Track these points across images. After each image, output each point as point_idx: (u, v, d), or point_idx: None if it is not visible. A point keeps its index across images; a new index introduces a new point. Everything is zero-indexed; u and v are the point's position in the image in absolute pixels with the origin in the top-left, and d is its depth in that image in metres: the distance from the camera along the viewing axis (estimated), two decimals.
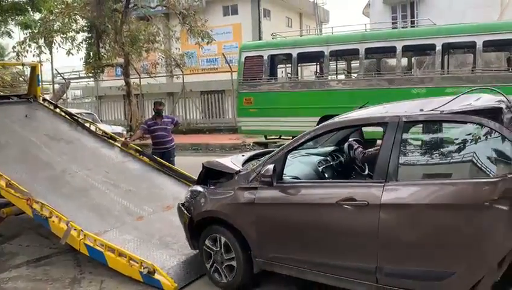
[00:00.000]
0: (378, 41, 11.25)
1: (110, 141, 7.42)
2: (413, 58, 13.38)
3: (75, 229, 4.62)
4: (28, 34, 16.62)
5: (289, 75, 12.89)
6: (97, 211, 5.28)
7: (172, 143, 7.54)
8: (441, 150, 3.51)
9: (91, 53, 17.69)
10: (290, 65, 12.77)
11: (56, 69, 23.31)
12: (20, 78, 21.98)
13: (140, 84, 19.66)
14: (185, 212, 4.30)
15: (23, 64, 10.74)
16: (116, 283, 4.29)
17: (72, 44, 17.33)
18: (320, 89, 11.69)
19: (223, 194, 4.05)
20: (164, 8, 18.73)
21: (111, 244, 4.44)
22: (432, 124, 3.50)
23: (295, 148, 3.90)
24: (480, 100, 3.33)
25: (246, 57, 12.51)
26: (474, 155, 3.14)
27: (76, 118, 7.83)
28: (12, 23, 15.45)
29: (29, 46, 16.70)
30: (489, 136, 3.04)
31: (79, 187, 5.73)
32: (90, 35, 17.84)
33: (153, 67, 19.40)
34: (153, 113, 7.66)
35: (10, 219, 5.78)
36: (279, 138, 13.00)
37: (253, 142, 15.42)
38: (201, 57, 24.14)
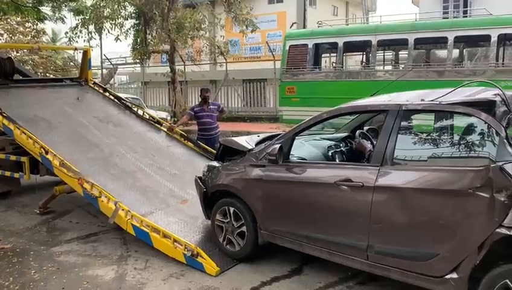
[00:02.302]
0: (429, 31, 10.84)
1: (157, 125, 7.60)
2: (465, 50, 12.81)
3: (122, 210, 4.77)
4: (80, 20, 17.15)
5: (334, 64, 12.67)
6: (143, 192, 5.43)
7: (218, 130, 7.61)
8: (435, 138, 3.64)
9: (138, 39, 18.06)
10: (334, 54, 12.55)
11: (105, 55, 24.05)
12: (71, 63, 22.85)
13: (185, 71, 19.94)
14: (201, 184, 4.69)
15: (75, 49, 11.10)
16: (160, 262, 4.41)
17: (121, 30, 17.75)
18: (365, 79, 11.44)
19: (235, 170, 4.39)
20: None
21: (156, 226, 4.56)
22: (429, 113, 3.60)
23: (302, 131, 4.13)
24: (478, 93, 3.44)
25: (291, 45, 12.40)
26: (464, 144, 3.35)
27: (124, 102, 8.06)
28: (66, 9, 15.97)
29: (81, 31, 17.26)
30: (479, 128, 3.20)
31: (126, 169, 5.91)
32: (138, 22, 18.21)
33: (198, 54, 19.61)
34: (199, 100, 7.74)
35: (62, 196, 6.07)
36: (321, 129, 12.91)
37: None
38: (245, 45, 24.11)
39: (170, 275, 4.16)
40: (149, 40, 17.93)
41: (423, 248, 3.21)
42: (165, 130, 7.49)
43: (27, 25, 18.72)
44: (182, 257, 4.31)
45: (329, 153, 4.54)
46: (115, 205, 4.81)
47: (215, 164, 4.74)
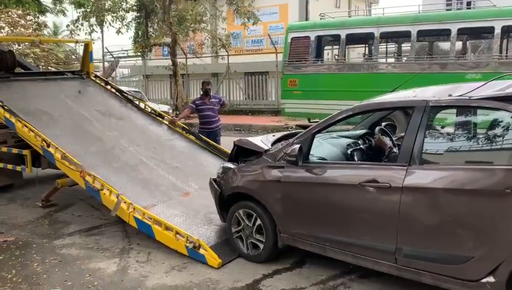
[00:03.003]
0: (432, 23, 10.77)
1: (158, 118, 7.59)
2: (468, 42, 12.73)
3: (124, 202, 4.77)
4: (81, 13, 17.11)
5: (336, 57, 12.61)
6: (145, 185, 5.44)
7: (219, 123, 7.60)
8: (466, 135, 3.48)
9: (140, 32, 18.03)
10: (337, 47, 12.49)
11: (106, 48, 23.98)
12: (73, 56, 22.79)
13: (187, 64, 19.89)
14: (216, 186, 4.55)
15: (77, 42, 11.08)
16: (162, 255, 4.42)
17: (122, 23, 17.71)
18: (368, 72, 11.39)
19: (251, 172, 4.23)
20: None
21: (158, 218, 4.56)
22: (459, 109, 3.42)
23: (322, 130, 3.99)
24: (510, 87, 3.26)
25: (293, 37, 12.34)
26: (499, 142, 3.18)
27: (126, 95, 8.04)
28: (67, 1, 15.93)
29: (82, 24, 17.22)
30: (508, 124, 3.06)
31: (128, 162, 5.91)
32: (139, 14, 18.16)
33: (199, 47, 19.55)
34: (200, 93, 7.73)
35: (64, 189, 6.08)
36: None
37: (296, 125, 15.31)
38: (247, 37, 24.00)
39: (172, 267, 4.17)
40: (150, 33, 17.89)
41: (456, 250, 3.08)
42: (167, 123, 7.48)
43: (28, 17, 18.65)
44: (184, 249, 4.32)
45: (349, 152, 4.38)
46: (117, 198, 4.82)
47: (230, 165, 4.58)
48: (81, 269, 4.17)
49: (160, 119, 7.59)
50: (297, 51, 12.19)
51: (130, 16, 18.32)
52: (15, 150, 6.32)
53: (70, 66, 20.59)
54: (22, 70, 8.62)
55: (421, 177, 3.23)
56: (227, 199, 4.45)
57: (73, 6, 16.62)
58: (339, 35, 11.75)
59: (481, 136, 3.40)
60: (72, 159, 5.34)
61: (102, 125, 6.69)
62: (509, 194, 2.82)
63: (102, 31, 21.00)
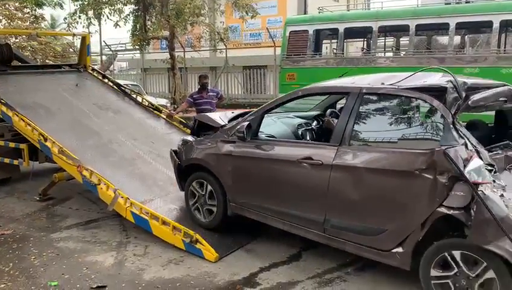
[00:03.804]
0: (430, 17, 10.74)
1: (156, 112, 7.58)
2: (466, 36, 12.71)
3: (122, 197, 4.78)
4: (78, 6, 16.99)
5: (335, 51, 12.59)
6: (143, 180, 5.44)
7: None
8: (390, 121, 3.69)
9: (138, 25, 17.90)
10: (335, 41, 12.46)
11: (104, 41, 23.87)
12: (70, 49, 22.69)
13: (185, 57, 19.82)
14: (175, 158, 4.96)
15: (74, 35, 11.04)
16: (159, 248, 4.43)
17: (120, 16, 17.56)
18: (366, 66, 11.37)
19: (207, 145, 4.62)
20: None
21: (155, 213, 4.57)
22: (387, 96, 3.65)
23: (269, 110, 4.35)
24: (434, 79, 3.51)
25: (291, 31, 12.30)
26: (415, 128, 3.46)
27: (123, 88, 8.02)
28: None
29: (79, 17, 17.09)
30: (430, 113, 3.34)
31: (126, 156, 5.91)
32: (137, 7, 18.02)
33: (197, 41, 19.47)
34: (197, 87, 7.71)
35: (61, 183, 6.08)
36: None
37: None
38: (245, 31, 23.91)
39: (169, 261, 4.19)
40: (148, 26, 17.78)
41: (373, 223, 3.44)
42: (164, 117, 7.47)
43: (25, 10, 18.55)
44: (181, 244, 4.33)
45: (299, 131, 4.76)
46: (114, 193, 4.82)
47: (189, 138, 4.97)
48: (78, 262, 4.19)
49: (158, 113, 7.58)
50: (295, 45, 12.16)
51: (128, 9, 18.18)
52: (12, 144, 6.31)
53: (68, 59, 20.50)
54: (19, 64, 8.59)
55: (348, 156, 3.55)
56: (185, 169, 4.82)
57: None
58: (337, 29, 11.72)
59: (400, 122, 3.66)
60: (69, 153, 5.33)
61: (100, 119, 6.68)
62: (417, 175, 3.14)
63: (100, 24, 20.88)
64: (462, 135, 3.11)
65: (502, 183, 3.01)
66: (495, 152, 3.31)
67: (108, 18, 17.55)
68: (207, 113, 5.17)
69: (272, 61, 17.90)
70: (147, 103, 7.77)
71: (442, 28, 11.13)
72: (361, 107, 3.66)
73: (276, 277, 3.83)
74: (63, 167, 5.51)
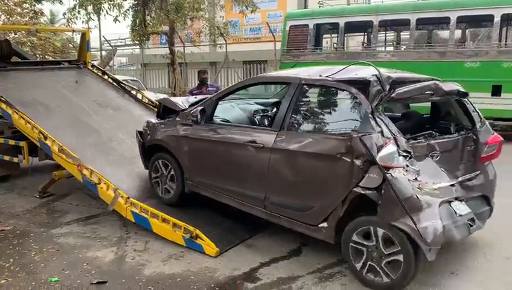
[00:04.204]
0: (431, 11, 10.72)
1: (155, 109, 7.54)
2: (467, 30, 12.67)
3: (122, 197, 4.77)
4: (78, 1, 16.92)
5: (335, 45, 12.55)
6: (143, 178, 5.41)
7: None
8: (322, 109, 4.15)
9: (137, 20, 17.82)
10: (336, 35, 12.43)
11: (104, 36, 23.79)
12: (70, 45, 22.63)
13: (184, 52, 19.76)
14: (139, 138, 5.36)
15: (73, 31, 11.01)
16: (160, 244, 4.44)
17: (119, 11, 17.48)
18: (367, 60, 11.33)
19: (168, 127, 4.98)
20: None
21: (155, 211, 4.57)
22: (322, 87, 4.07)
23: (222, 97, 4.72)
24: (363, 72, 3.78)
25: (291, 25, 12.28)
26: (340, 116, 3.86)
27: (123, 85, 7.99)
28: None
29: (79, 12, 17.02)
30: (353, 103, 3.69)
31: (125, 154, 5.89)
32: (136, 2, 17.94)
33: (197, 36, 19.39)
34: (197, 82, 7.69)
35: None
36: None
37: None
38: (245, 26, 23.83)
39: (170, 256, 4.19)
40: (148, 21, 17.71)
41: (304, 201, 3.80)
42: None
43: (25, 5, 18.47)
44: (181, 240, 4.33)
45: (255, 117, 5.10)
46: (114, 192, 4.81)
47: (153, 120, 5.34)
48: (78, 258, 4.19)
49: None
50: (295, 39, 12.14)
51: (127, 4, 18.08)
52: (12, 142, 6.30)
53: (68, 55, 20.45)
54: (19, 60, 8.56)
55: (285, 140, 3.90)
56: (148, 149, 5.20)
57: None
58: (337, 24, 11.69)
59: (330, 111, 4.08)
60: (69, 152, 5.32)
61: (99, 117, 6.65)
62: (338, 158, 3.49)
63: (99, 20, 20.81)
64: (379, 123, 3.39)
65: (416, 168, 3.34)
66: (418, 140, 3.66)
67: (107, 13, 17.47)
68: (170, 98, 5.58)
69: (272, 56, 17.85)
70: (146, 100, 7.74)
71: (443, 22, 11.09)
72: (299, 97, 4.01)
73: (277, 272, 3.84)
74: (63, 165, 5.50)
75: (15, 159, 6.43)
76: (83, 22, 17.56)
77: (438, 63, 10.36)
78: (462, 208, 3.51)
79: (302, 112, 4.06)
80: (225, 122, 4.71)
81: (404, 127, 3.84)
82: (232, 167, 4.37)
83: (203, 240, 4.21)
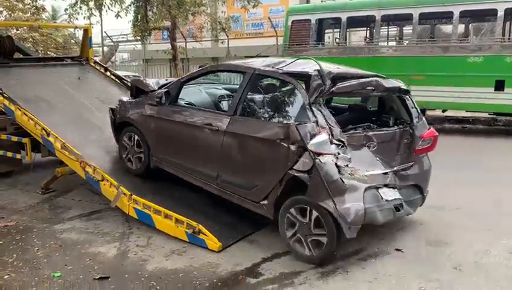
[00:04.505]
0: (434, 6, 10.66)
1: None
2: (470, 25, 12.59)
3: (124, 194, 4.77)
4: None
5: (337, 40, 12.50)
6: (146, 176, 5.40)
7: None
8: (270, 98, 4.44)
9: (139, 16, 17.79)
10: (338, 30, 12.38)
11: (105, 32, 23.77)
12: (72, 41, 22.62)
13: (186, 48, 19.74)
14: (111, 114, 5.71)
15: (76, 27, 10.99)
16: (162, 239, 4.45)
17: (121, 7, 17.44)
18: (369, 55, 11.30)
19: (137, 106, 5.33)
20: None
21: (157, 207, 4.57)
22: (271, 78, 4.39)
23: (186, 82, 5.05)
24: (308, 66, 4.07)
25: (293, 20, 12.23)
26: (283, 105, 4.21)
27: (125, 81, 7.98)
28: None
29: (80, 8, 16.99)
30: (294, 94, 4.02)
31: None
32: None
33: (199, 31, 19.37)
34: None
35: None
36: None
37: None
38: (247, 21, 23.79)
39: (172, 251, 4.20)
40: (150, 17, 17.67)
41: (249, 180, 4.18)
42: None
43: (26, 1, 18.46)
44: (184, 235, 4.34)
45: (219, 102, 5.37)
46: (117, 189, 4.82)
47: (124, 99, 5.68)
48: (81, 254, 4.21)
49: None
50: (297, 34, 12.09)
51: None
52: (14, 138, 6.32)
53: (70, 51, 20.45)
54: (21, 56, 8.55)
55: (236, 125, 4.25)
56: (119, 125, 5.56)
57: None
58: (339, 18, 11.64)
59: (276, 100, 4.38)
60: (72, 149, 5.33)
61: (102, 114, 6.60)
62: (278, 143, 3.85)
63: (101, 15, 20.74)
64: (315, 114, 3.74)
65: (348, 156, 3.71)
66: (356, 131, 4.05)
67: (109, 9, 17.44)
68: (142, 79, 5.99)
69: (274, 51, 17.81)
70: None
71: (446, 17, 11.04)
72: (251, 85, 4.36)
73: (279, 267, 3.84)
74: (65, 162, 5.51)
75: (18, 156, 6.45)
76: (84, 17, 17.54)
77: (440, 57, 10.32)
78: (389, 194, 3.92)
79: (253, 99, 4.46)
80: (187, 105, 4.99)
81: (348, 118, 4.40)
82: (190, 147, 4.73)
83: (205, 235, 4.22)
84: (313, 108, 3.77)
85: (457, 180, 6.40)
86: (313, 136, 3.66)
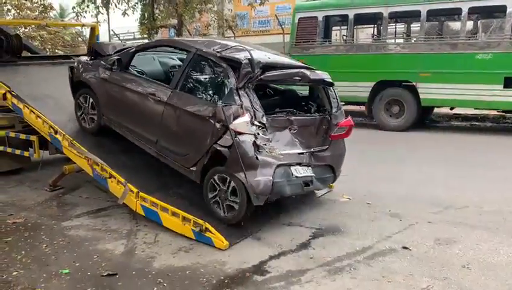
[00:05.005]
0: (442, 2, 10.55)
1: None
2: (479, 22, 12.47)
3: (132, 191, 4.78)
4: None
5: (344, 37, 12.43)
6: (151, 170, 5.39)
7: None
8: (206, 77, 4.75)
9: (146, 14, 17.87)
10: (345, 27, 12.31)
11: (113, 30, 23.89)
12: (79, 39, 22.72)
13: None
14: (70, 73, 6.14)
15: (83, 25, 11.04)
16: (169, 236, 4.45)
17: (128, 5, 17.57)
18: (377, 52, 11.24)
19: (93, 69, 5.72)
20: None
21: (165, 204, 4.57)
22: (210, 60, 4.66)
23: (138, 51, 5.46)
24: (244, 54, 4.42)
25: (300, 18, 12.18)
26: (216, 86, 4.54)
27: None
28: None
29: (88, 6, 17.10)
30: (227, 78, 4.39)
31: (137, 148, 5.85)
32: None
33: (206, 28, 19.38)
34: None
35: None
36: None
37: None
38: (254, 18, 23.75)
39: (179, 249, 4.20)
40: (156, 15, 17.73)
41: (182, 148, 4.70)
42: None
43: (34, 0, 18.58)
44: (191, 233, 4.34)
45: (170, 72, 5.73)
46: (125, 186, 4.83)
47: (83, 59, 6.06)
48: (89, 251, 4.23)
49: None
50: (304, 32, 12.05)
51: None
52: (23, 136, 6.36)
53: (77, 49, 20.56)
54: (29, 54, 8.60)
55: (176, 98, 4.71)
56: (76, 84, 5.99)
57: None
58: (347, 16, 11.58)
59: (211, 80, 4.67)
60: (79, 146, 5.35)
61: None
62: (207, 120, 4.35)
63: (108, 13, 20.85)
64: (241, 98, 4.21)
65: (267, 136, 4.27)
66: (279, 115, 4.65)
67: (116, 7, 17.54)
68: (102, 42, 6.86)
69: (280, 48, 17.77)
70: None
71: (454, 13, 10.94)
72: (193, 64, 4.79)
73: (286, 265, 3.83)
74: (73, 159, 5.53)
75: (26, 153, 6.49)
76: (91, 15, 17.66)
77: (449, 55, 10.23)
78: (301, 171, 4.49)
79: (192, 77, 4.80)
80: (137, 73, 5.41)
81: (279, 102, 5.12)
82: (135, 112, 5.18)
83: (212, 233, 4.22)
84: (240, 92, 4.24)
85: (465, 178, 6.35)
86: (236, 117, 4.14)
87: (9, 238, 4.56)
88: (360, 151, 7.08)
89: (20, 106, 6.07)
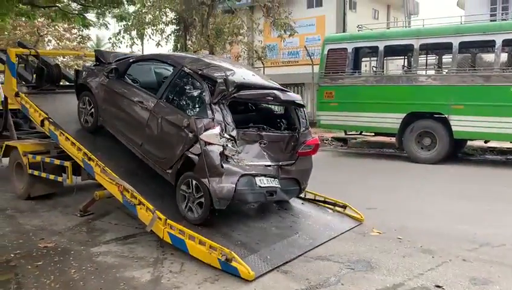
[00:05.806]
0: (475, 34, 10.46)
1: None
2: None
3: (160, 219, 4.81)
4: (123, 26, 17.66)
5: (374, 68, 12.41)
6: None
7: None
8: (186, 91, 5.23)
9: (178, 45, 18.41)
10: (374, 58, 12.32)
11: None
12: None
13: None
14: (75, 76, 6.90)
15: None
16: (195, 266, 4.42)
17: (162, 36, 18.16)
18: (407, 84, 11.14)
19: (94, 74, 6.43)
20: (249, 1, 18.91)
21: (192, 232, 4.55)
22: (191, 75, 5.14)
23: (135, 62, 6.07)
24: (221, 73, 4.87)
25: (329, 49, 12.28)
26: (194, 100, 5.08)
27: None
28: (109, 15, 16.52)
29: (123, 37, 17.77)
30: (203, 94, 4.87)
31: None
32: (178, 27, 18.57)
33: (236, 59, 19.75)
34: None
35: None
36: (360, 133, 12.57)
37: (332, 137, 15.11)
38: (283, 49, 24.09)
39: (205, 279, 4.16)
40: (189, 46, 18.23)
41: (161, 152, 5.22)
42: None
43: (73, 31, 19.47)
44: (216, 263, 4.29)
45: (162, 82, 5.90)
46: (153, 214, 4.86)
47: (87, 65, 6.73)
48: (116, 277, 4.23)
49: None
50: (334, 63, 12.11)
51: (170, 29, 18.77)
52: (57, 161, 6.55)
53: None
54: (67, 83, 8.94)
55: (159, 107, 5.26)
56: (79, 87, 6.70)
57: (115, 20, 17.20)
58: (377, 47, 11.60)
59: (190, 94, 5.16)
60: (111, 173, 5.45)
61: None
62: (182, 129, 4.86)
63: (142, 44, 21.64)
64: (214, 112, 4.67)
65: (235, 148, 4.69)
66: (251, 130, 5.07)
67: (150, 38, 18.14)
68: (104, 50, 7.61)
69: (309, 79, 17.89)
70: None
71: (488, 46, 10.79)
72: (177, 78, 5.30)
73: None
74: (104, 185, 5.63)
75: (59, 178, 6.65)
76: (126, 46, 18.34)
77: (482, 87, 10.04)
78: (265, 182, 4.86)
79: (175, 89, 5.30)
80: (131, 82, 5.97)
81: (254, 118, 5.58)
82: (126, 116, 5.77)
83: (238, 263, 4.16)
84: (214, 107, 4.69)
85: (501, 215, 6.10)
86: (207, 129, 4.60)
87: (40, 262, 4.63)
88: (391, 183, 6.93)
89: (57, 132, 6.28)
